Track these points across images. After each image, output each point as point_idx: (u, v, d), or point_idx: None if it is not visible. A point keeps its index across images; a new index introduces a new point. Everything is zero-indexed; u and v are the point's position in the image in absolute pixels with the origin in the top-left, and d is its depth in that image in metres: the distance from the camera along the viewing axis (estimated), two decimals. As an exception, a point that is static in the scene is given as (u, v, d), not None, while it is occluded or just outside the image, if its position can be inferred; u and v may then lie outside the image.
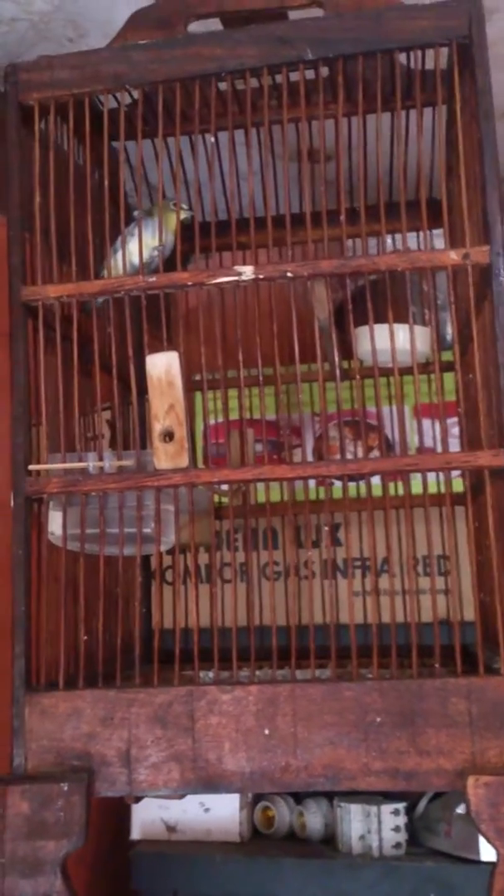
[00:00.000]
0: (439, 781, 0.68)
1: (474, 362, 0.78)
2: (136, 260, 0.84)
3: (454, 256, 0.73)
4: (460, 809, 1.17)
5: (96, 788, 0.73)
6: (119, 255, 0.84)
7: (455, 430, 1.09)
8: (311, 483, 1.04)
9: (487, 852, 1.11)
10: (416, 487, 1.03)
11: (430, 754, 0.69)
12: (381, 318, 0.78)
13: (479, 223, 0.77)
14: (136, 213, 0.84)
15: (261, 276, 0.76)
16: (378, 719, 0.70)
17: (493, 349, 0.73)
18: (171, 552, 0.84)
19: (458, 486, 0.98)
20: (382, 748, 0.69)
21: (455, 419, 1.09)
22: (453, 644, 0.77)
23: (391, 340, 0.76)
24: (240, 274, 0.76)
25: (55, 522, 0.79)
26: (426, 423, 1.11)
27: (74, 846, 0.71)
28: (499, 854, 0.65)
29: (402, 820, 1.19)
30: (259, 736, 0.71)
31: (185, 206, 0.88)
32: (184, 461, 0.74)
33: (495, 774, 0.66)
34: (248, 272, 0.75)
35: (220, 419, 1.12)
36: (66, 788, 0.71)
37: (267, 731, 0.71)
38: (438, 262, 0.74)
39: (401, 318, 0.80)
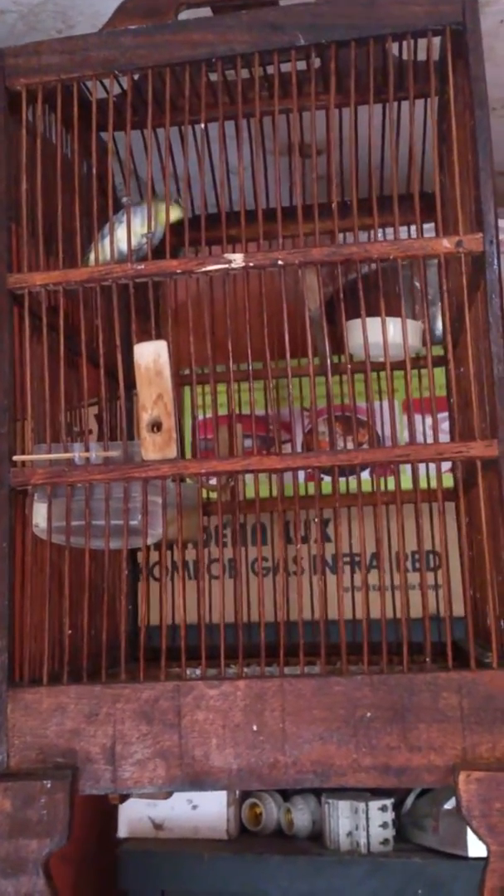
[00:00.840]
0: (430, 777, 0.67)
1: (467, 354, 0.77)
2: (124, 247, 0.82)
3: (447, 244, 0.72)
4: (448, 805, 1.16)
5: (80, 786, 0.72)
6: (107, 241, 0.83)
7: (445, 426, 1.09)
8: (301, 479, 1.03)
9: (475, 848, 1.10)
10: (406, 483, 1.02)
11: (420, 750, 0.68)
12: (372, 312, 0.77)
13: (471, 214, 0.76)
14: (125, 201, 0.82)
15: (251, 264, 0.74)
16: (368, 714, 0.69)
17: (486, 340, 0.72)
18: (157, 547, 0.83)
19: (448, 481, 0.97)
20: (372, 744, 0.68)
21: (445, 414, 1.08)
22: (443, 639, 0.76)
23: (383, 334, 0.75)
24: (230, 262, 0.74)
25: (40, 514, 0.78)
26: (416, 418, 1.10)
27: (58, 845, 0.70)
28: (490, 851, 0.64)
29: (389, 816, 1.18)
30: (247, 732, 0.70)
31: (178, 202, 0.86)
32: (172, 452, 0.73)
33: (487, 770, 0.65)
34: (238, 260, 0.74)
35: (209, 414, 1.11)
36: (49, 786, 0.70)
37: (255, 727, 0.70)
38: (431, 250, 0.73)
39: (392, 312, 0.79)
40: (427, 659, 0.71)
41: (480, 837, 0.64)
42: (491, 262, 0.71)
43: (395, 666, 0.74)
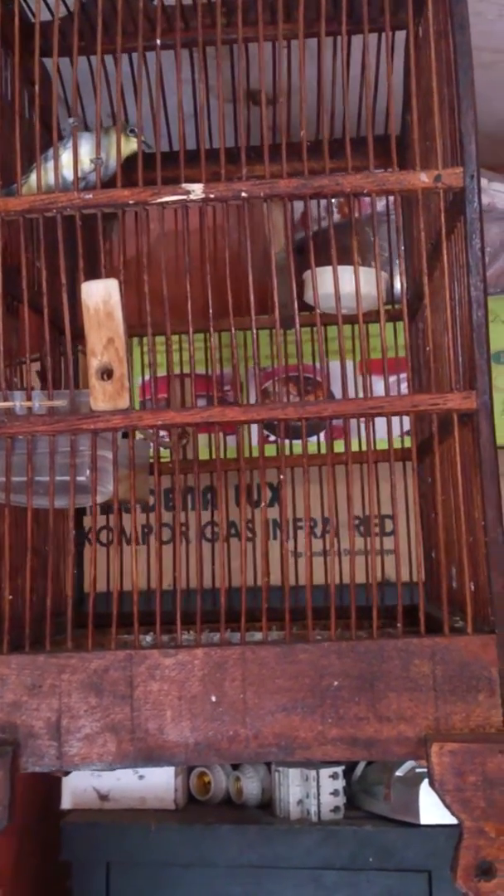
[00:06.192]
0: (400, 750, 0.64)
1: (441, 300, 0.72)
2: (69, 174, 0.74)
3: (425, 179, 0.67)
4: (399, 772, 1.15)
5: (22, 763, 0.66)
6: (50, 165, 0.75)
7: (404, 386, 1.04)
8: (254, 441, 0.98)
9: (427, 815, 1.09)
10: (363, 443, 0.97)
11: (390, 720, 0.64)
12: (330, 263, 0.71)
13: (448, 148, 0.70)
14: (70, 122, 0.74)
15: (211, 196, 0.68)
16: (335, 683, 0.64)
17: (464, 283, 0.67)
18: (107, 509, 0.77)
19: (409, 442, 0.93)
20: (340, 714, 0.64)
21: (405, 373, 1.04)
22: (409, 604, 0.72)
23: (356, 283, 0.69)
24: (188, 192, 0.68)
25: (-23, 470, 0.71)
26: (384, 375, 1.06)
27: (-2, 827, 0.64)
28: (464, 827, 0.60)
29: (340, 783, 1.17)
30: (205, 703, 0.65)
31: (132, 132, 0.78)
32: (124, 402, 0.66)
33: (461, 741, 0.61)
34: (197, 191, 0.67)
35: (160, 373, 1.05)
36: (-12, 764, 0.64)
37: (214, 698, 0.65)
38: (408, 184, 0.67)
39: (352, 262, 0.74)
40: (399, 624, 0.67)
41: (454, 813, 0.60)
42: (472, 199, 0.66)
43: (359, 632, 0.70)
